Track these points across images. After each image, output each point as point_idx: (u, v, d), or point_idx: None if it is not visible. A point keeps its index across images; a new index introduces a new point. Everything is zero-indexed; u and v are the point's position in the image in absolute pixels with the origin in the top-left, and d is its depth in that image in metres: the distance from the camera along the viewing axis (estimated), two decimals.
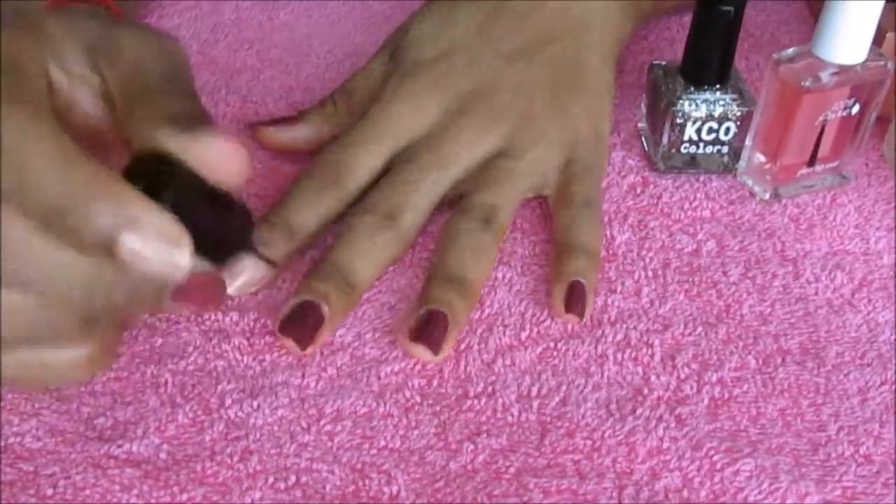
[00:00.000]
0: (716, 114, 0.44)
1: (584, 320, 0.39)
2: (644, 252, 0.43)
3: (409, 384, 0.37)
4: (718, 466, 0.34)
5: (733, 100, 0.44)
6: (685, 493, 0.34)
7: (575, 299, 0.39)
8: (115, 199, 0.26)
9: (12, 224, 0.26)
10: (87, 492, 0.33)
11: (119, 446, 0.35)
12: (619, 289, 0.41)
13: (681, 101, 0.44)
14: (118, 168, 0.28)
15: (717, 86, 0.44)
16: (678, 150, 0.46)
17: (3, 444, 0.35)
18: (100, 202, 0.26)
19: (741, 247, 0.43)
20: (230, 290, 0.39)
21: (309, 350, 0.38)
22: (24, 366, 0.30)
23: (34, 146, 0.26)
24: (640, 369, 0.38)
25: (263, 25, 0.57)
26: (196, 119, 0.30)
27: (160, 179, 0.28)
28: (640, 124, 0.49)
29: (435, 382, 0.37)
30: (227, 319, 0.39)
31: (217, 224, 0.30)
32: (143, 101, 0.30)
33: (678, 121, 0.44)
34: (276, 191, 0.46)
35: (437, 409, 0.36)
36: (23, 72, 0.29)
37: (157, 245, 0.27)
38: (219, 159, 0.29)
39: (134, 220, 0.26)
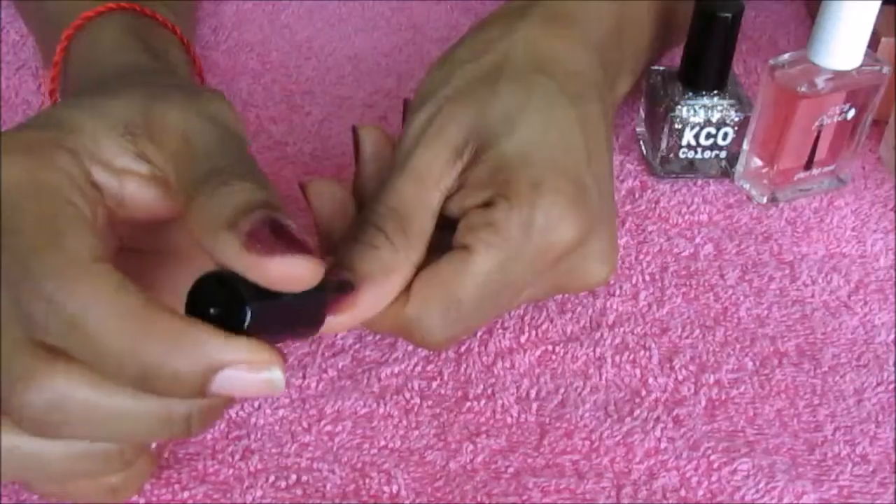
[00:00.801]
0: (714, 119, 0.45)
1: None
2: (642, 256, 0.43)
3: (409, 385, 0.37)
4: (716, 466, 0.35)
5: (731, 105, 0.45)
6: (683, 493, 0.34)
7: None
8: (194, 347, 0.25)
9: (85, 387, 0.25)
10: None
11: None
12: (617, 292, 0.41)
13: (679, 107, 0.44)
14: (188, 269, 0.27)
15: (716, 91, 0.45)
16: (676, 155, 0.46)
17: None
18: (180, 358, 0.25)
19: (738, 250, 0.43)
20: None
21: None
22: (63, 492, 0.30)
23: (93, 311, 0.24)
24: (638, 371, 0.38)
25: (264, 28, 0.57)
26: (260, 212, 0.26)
27: (233, 298, 0.26)
28: (637, 129, 0.49)
29: (435, 384, 0.38)
30: None
31: (296, 312, 0.28)
32: (199, 193, 0.27)
33: (676, 126, 0.45)
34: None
35: (437, 410, 0.37)
36: (51, 208, 0.26)
37: (250, 377, 0.26)
38: (286, 276, 0.26)
39: (219, 363, 0.25)
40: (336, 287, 0.31)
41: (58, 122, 0.29)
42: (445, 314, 0.33)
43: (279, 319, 0.28)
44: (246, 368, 0.26)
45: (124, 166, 0.29)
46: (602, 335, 0.39)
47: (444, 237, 0.34)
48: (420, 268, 0.33)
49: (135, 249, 0.32)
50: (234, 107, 0.32)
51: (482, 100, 0.35)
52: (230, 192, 0.27)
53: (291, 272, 0.26)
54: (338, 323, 0.32)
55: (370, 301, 0.32)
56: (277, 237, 0.26)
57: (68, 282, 0.25)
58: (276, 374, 0.26)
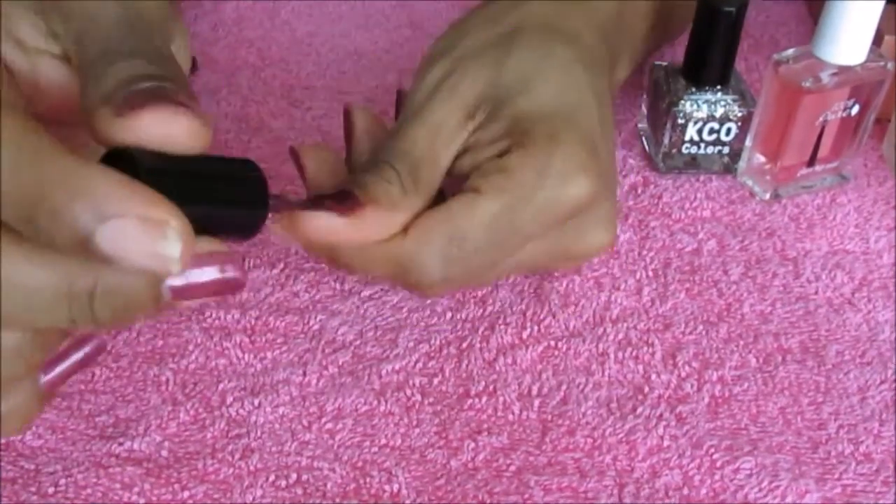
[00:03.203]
0: (717, 114, 0.44)
1: None
2: (645, 252, 0.43)
3: (410, 382, 0.37)
4: (719, 464, 0.34)
5: (734, 100, 0.44)
6: (685, 491, 0.34)
7: None
8: (86, 190, 0.22)
9: None
10: (89, 490, 0.33)
11: (120, 444, 0.35)
12: (620, 287, 0.41)
13: (682, 102, 0.44)
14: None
15: (719, 86, 0.44)
16: (679, 151, 0.46)
17: (4, 441, 0.35)
18: (65, 193, 0.22)
19: (742, 246, 0.43)
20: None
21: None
22: None
23: None
24: (640, 368, 0.38)
25: (264, 24, 0.57)
26: (143, 82, 0.25)
27: (131, 170, 0.23)
28: (640, 124, 0.49)
29: (436, 381, 0.37)
30: (229, 317, 0.39)
31: (221, 193, 0.26)
32: (88, 76, 0.25)
33: (679, 121, 0.45)
34: (279, 192, 0.46)
35: (438, 407, 0.36)
36: None
37: (139, 236, 0.22)
38: (162, 134, 0.24)
39: (106, 207, 0.22)
40: (338, 196, 0.31)
41: None
42: (446, 250, 0.33)
43: (196, 193, 0.25)
44: (137, 223, 0.22)
45: (36, 45, 0.28)
46: (605, 331, 0.39)
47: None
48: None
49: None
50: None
51: (497, 61, 0.35)
52: (114, 71, 0.25)
53: (165, 129, 0.24)
54: (335, 228, 0.31)
55: (372, 219, 0.31)
56: (152, 98, 0.24)
57: None
58: (172, 245, 0.22)
